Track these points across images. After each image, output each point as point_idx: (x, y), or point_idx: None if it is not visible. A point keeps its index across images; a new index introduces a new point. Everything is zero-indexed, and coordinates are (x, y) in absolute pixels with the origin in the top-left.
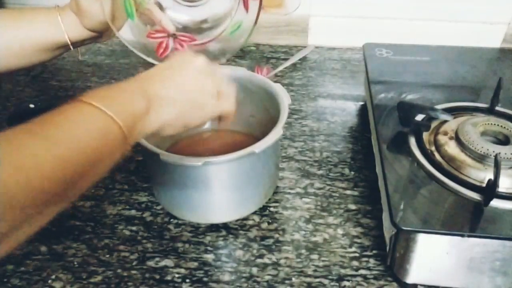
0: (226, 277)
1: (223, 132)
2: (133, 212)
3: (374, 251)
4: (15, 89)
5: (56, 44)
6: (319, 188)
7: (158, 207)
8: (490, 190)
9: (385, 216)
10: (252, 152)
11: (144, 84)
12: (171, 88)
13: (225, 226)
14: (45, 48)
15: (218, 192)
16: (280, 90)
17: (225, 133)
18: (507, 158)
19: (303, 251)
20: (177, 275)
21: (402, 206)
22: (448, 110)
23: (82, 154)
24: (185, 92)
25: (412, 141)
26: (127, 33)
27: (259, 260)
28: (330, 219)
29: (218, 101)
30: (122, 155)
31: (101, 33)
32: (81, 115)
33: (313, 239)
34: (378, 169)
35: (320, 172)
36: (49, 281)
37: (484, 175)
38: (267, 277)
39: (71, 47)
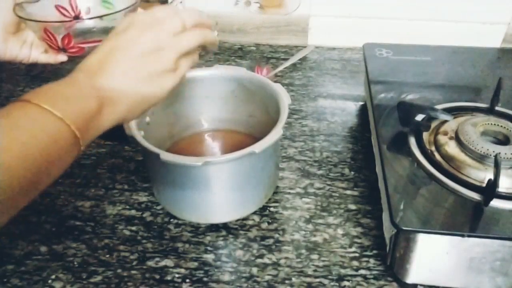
0: (226, 277)
1: (223, 132)
2: (133, 212)
3: (374, 251)
4: (15, 89)
5: None
6: (319, 188)
7: (158, 207)
8: (490, 190)
9: (385, 216)
10: (252, 152)
11: (92, 80)
12: (121, 77)
13: (225, 226)
14: None
15: (218, 192)
16: (280, 90)
17: (225, 133)
18: (507, 158)
19: (303, 251)
20: (177, 275)
21: (402, 206)
22: (448, 110)
23: (29, 161)
24: (137, 78)
25: (412, 141)
26: None
27: (259, 260)
28: (330, 219)
29: (178, 66)
30: (75, 157)
31: None
32: (27, 118)
33: (313, 239)
34: (378, 169)
35: (320, 172)
36: (49, 281)
37: (484, 175)
38: (267, 277)
39: None
